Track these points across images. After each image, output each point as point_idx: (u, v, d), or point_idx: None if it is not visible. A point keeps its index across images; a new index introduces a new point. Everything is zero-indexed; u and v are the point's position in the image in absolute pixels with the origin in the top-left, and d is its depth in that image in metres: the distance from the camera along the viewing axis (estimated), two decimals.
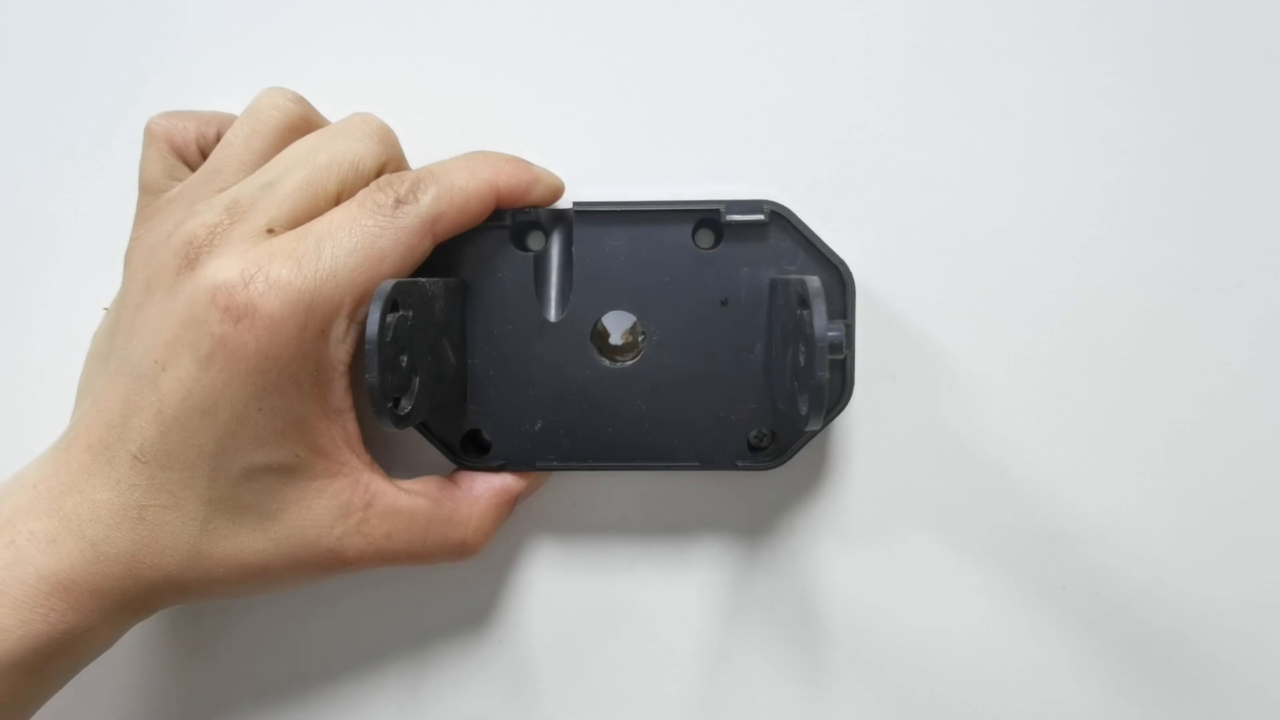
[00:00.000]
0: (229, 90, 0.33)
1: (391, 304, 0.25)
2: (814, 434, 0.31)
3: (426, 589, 0.34)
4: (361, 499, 0.29)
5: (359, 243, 0.27)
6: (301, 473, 0.28)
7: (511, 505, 0.31)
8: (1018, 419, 0.32)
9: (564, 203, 0.31)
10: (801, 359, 0.26)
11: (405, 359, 0.26)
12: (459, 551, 0.30)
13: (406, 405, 0.26)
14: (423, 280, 0.28)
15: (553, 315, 0.30)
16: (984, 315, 0.32)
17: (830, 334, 0.25)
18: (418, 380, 0.27)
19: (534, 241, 0.31)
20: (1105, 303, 0.32)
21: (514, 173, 0.30)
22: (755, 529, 0.33)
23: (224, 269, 0.26)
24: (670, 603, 0.33)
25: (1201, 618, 0.32)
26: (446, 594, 0.34)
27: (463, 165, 0.29)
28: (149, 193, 0.30)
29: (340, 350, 0.28)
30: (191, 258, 0.27)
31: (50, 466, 0.28)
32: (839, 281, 0.30)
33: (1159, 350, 0.32)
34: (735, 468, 0.31)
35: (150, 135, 0.30)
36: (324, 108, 0.31)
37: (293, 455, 0.28)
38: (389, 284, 0.26)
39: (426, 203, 0.28)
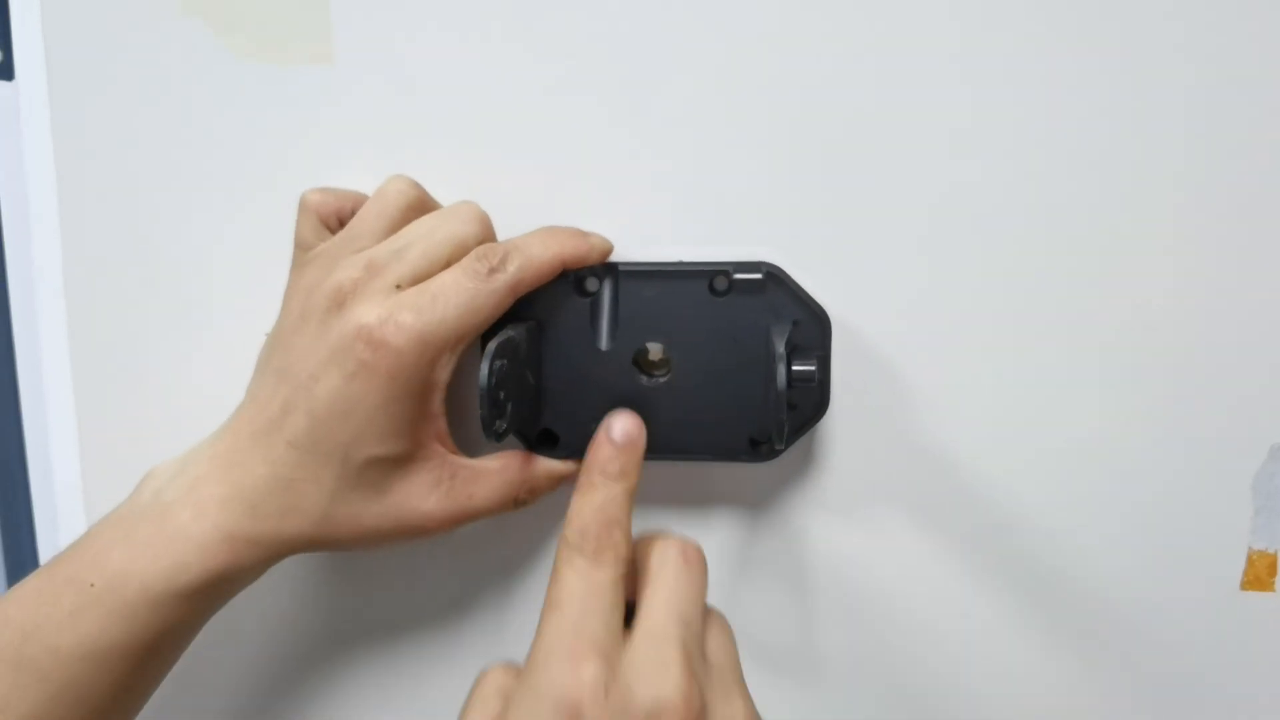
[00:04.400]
0: (360, 168, 0.40)
1: (496, 356, 0.33)
2: (799, 437, 0.38)
3: (503, 545, 0.42)
4: (448, 473, 0.36)
5: (463, 299, 0.34)
6: (405, 460, 0.35)
7: (561, 482, 0.39)
8: (965, 420, 0.39)
9: (615, 256, 0.38)
10: (772, 400, 0.34)
11: (503, 394, 0.34)
12: (524, 500, 0.38)
13: (502, 425, 0.34)
14: (513, 335, 0.35)
15: (604, 345, 0.38)
16: (938, 342, 0.38)
17: (803, 368, 0.34)
18: (510, 406, 0.35)
19: (591, 284, 0.38)
20: (1034, 317, 0.38)
21: (575, 244, 0.36)
22: (758, 504, 0.41)
23: (367, 313, 0.33)
24: None
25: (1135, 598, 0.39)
26: (522, 547, 0.42)
27: (537, 239, 0.36)
28: (301, 249, 0.37)
29: (443, 374, 0.34)
30: (340, 301, 0.34)
31: (221, 445, 0.35)
32: (820, 325, 0.37)
33: (1071, 348, 0.38)
34: (740, 459, 0.38)
35: (304, 205, 0.37)
36: (435, 188, 0.38)
37: (401, 448, 0.34)
38: (494, 344, 0.33)
39: (512, 270, 0.35)
